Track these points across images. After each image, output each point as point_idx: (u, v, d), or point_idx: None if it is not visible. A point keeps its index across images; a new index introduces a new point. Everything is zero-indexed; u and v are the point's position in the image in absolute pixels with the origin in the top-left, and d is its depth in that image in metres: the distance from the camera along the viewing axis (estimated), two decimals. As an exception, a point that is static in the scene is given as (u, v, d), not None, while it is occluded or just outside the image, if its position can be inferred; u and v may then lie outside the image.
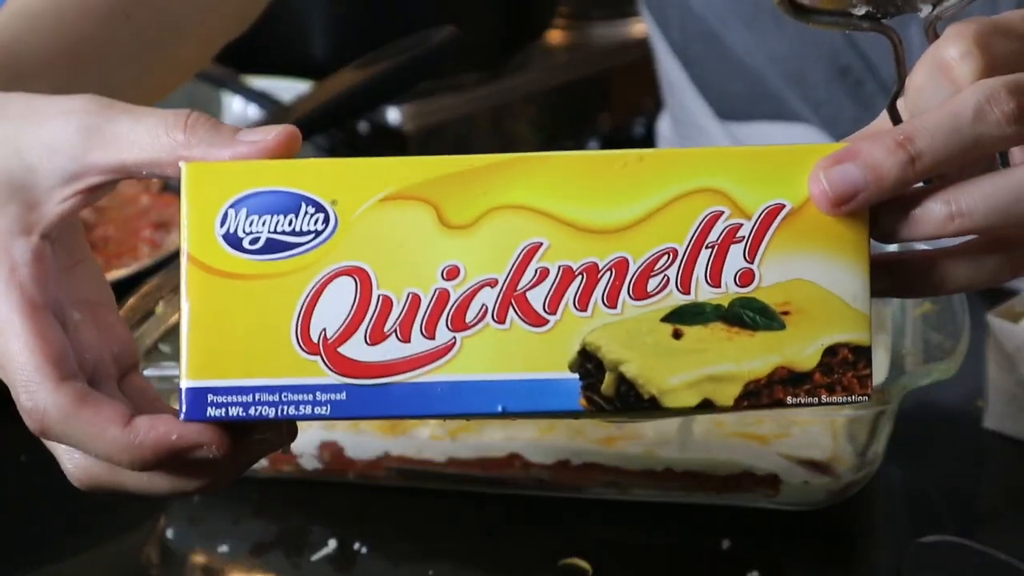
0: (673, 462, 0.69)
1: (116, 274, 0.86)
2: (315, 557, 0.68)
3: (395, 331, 0.47)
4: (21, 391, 0.48)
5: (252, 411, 0.48)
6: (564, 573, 0.66)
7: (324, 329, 0.47)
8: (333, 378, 0.47)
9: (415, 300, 0.47)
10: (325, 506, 0.72)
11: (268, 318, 0.48)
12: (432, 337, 0.47)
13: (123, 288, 0.80)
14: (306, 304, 0.47)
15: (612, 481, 0.70)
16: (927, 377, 0.66)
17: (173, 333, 0.78)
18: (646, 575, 0.67)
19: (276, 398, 0.48)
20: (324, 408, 0.48)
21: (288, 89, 1.30)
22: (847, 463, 0.68)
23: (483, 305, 0.47)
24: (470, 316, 0.47)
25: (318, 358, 0.47)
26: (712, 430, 0.68)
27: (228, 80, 1.40)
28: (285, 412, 0.48)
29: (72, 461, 0.50)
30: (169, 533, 0.71)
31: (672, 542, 0.69)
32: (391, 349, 0.47)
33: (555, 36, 1.60)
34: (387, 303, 0.47)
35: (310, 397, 0.47)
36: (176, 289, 0.81)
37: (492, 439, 0.70)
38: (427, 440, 0.71)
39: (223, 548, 0.70)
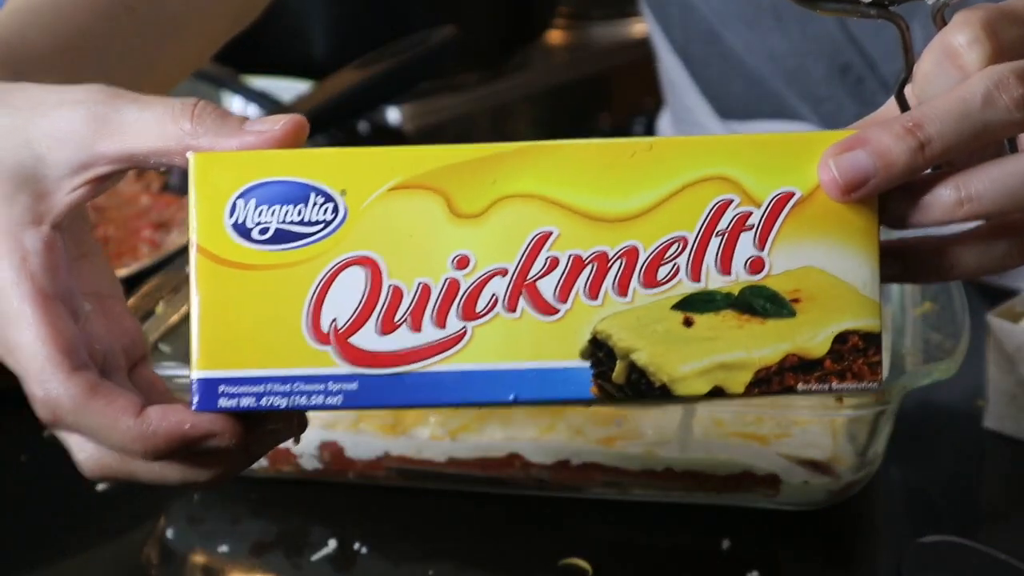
0: (673, 462, 0.69)
1: (116, 274, 0.86)
2: (315, 557, 0.68)
3: (406, 321, 0.47)
4: (33, 381, 0.48)
5: (263, 401, 0.48)
6: (564, 573, 0.66)
7: (335, 319, 0.47)
8: (344, 368, 0.47)
9: (425, 290, 0.47)
10: (325, 506, 0.72)
11: (278, 308, 0.48)
12: (443, 327, 0.47)
13: (123, 288, 0.80)
14: (316, 294, 0.48)
15: (612, 481, 0.70)
16: (927, 377, 0.66)
17: (173, 333, 0.78)
18: (646, 575, 0.67)
19: (287, 388, 0.48)
20: (336, 398, 0.48)
21: (288, 89, 1.30)
22: (847, 463, 0.68)
23: (493, 294, 0.47)
24: (481, 305, 0.47)
25: (329, 348, 0.47)
26: (712, 430, 0.68)
27: (228, 80, 1.40)
28: (296, 403, 0.48)
29: (84, 451, 0.50)
30: (169, 533, 0.71)
31: (672, 542, 0.69)
32: (402, 339, 0.47)
33: (555, 36, 1.60)
34: (397, 293, 0.47)
35: (321, 387, 0.48)
36: (176, 289, 0.81)
37: (492, 439, 0.70)
38: (427, 440, 0.71)
39: (223, 548, 0.70)
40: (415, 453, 0.71)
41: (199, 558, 0.70)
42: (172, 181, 1.05)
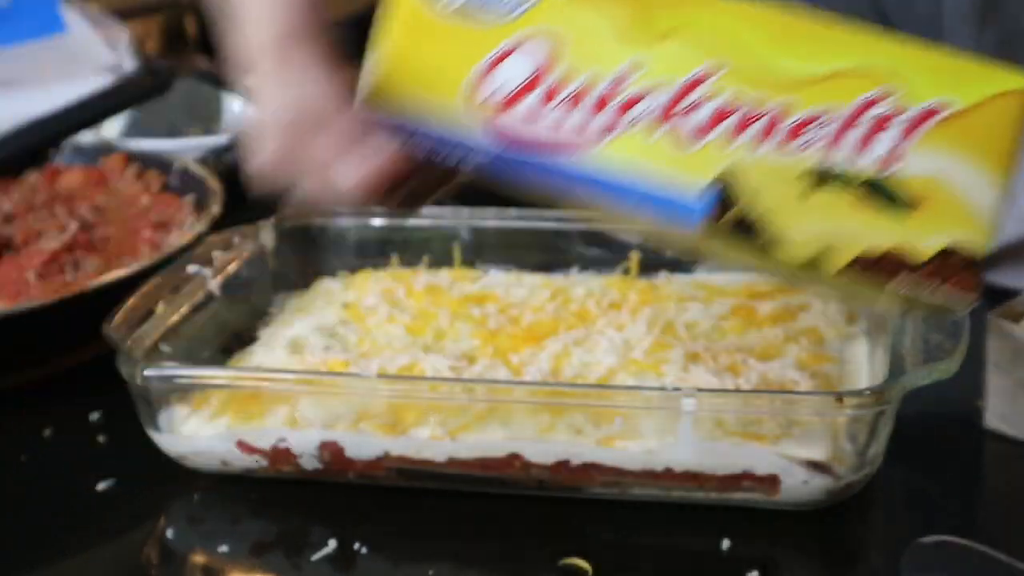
0: (673, 462, 0.69)
1: (116, 274, 0.86)
2: (315, 557, 0.68)
3: (559, 110, 0.49)
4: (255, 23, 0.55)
5: (407, 148, 0.51)
6: (564, 573, 0.66)
7: (496, 92, 0.50)
8: (492, 139, 0.50)
9: (588, 87, 0.49)
10: (325, 506, 0.72)
11: (449, 72, 0.50)
12: (591, 124, 0.49)
13: (123, 288, 0.80)
14: (487, 65, 0.50)
15: (612, 481, 0.70)
16: (927, 377, 0.66)
17: (173, 333, 0.78)
18: (646, 575, 0.67)
19: (433, 143, 0.51)
20: (475, 163, 0.50)
21: (288, 89, 1.30)
22: (847, 463, 0.68)
23: (648, 107, 0.49)
24: (633, 114, 0.49)
25: (483, 117, 0.50)
26: (712, 430, 0.68)
27: (228, 80, 1.40)
28: (437, 158, 0.51)
29: (275, 99, 0.55)
30: (169, 533, 0.71)
31: (672, 542, 0.69)
32: (551, 126, 0.49)
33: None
34: (562, 83, 0.49)
35: (466, 150, 0.50)
36: (176, 289, 0.81)
37: (492, 439, 0.70)
38: (427, 440, 0.71)
39: (223, 548, 0.70)
40: (415, 453, 0.71)
41: (199, 558, 0.70)
42: (172, 181, 1.05)
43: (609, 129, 0.49)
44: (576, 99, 0.49)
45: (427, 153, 0.51)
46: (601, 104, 0.49)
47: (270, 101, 0.56)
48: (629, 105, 0.49)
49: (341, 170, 0.53)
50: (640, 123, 0.49)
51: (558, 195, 0.51)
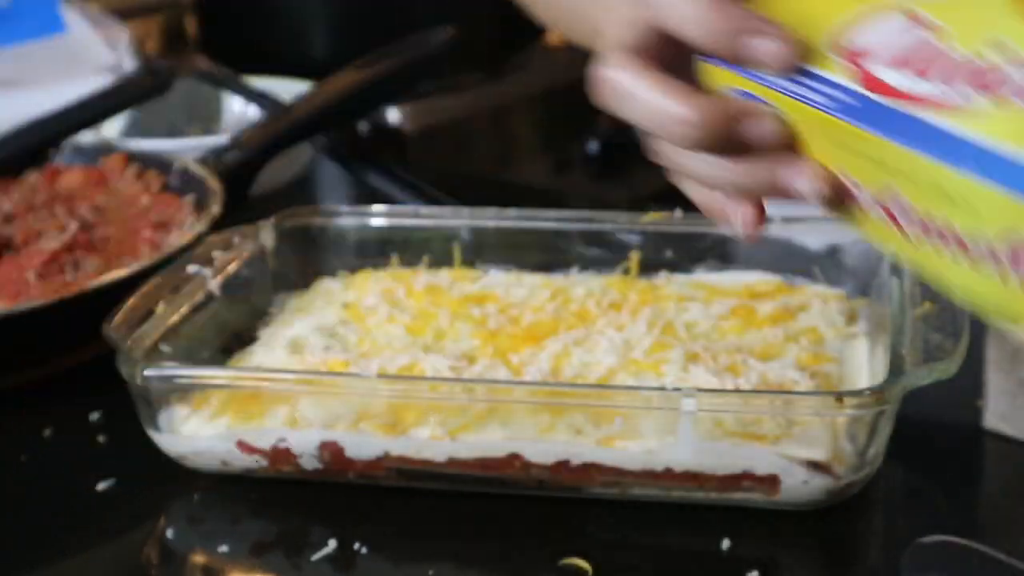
0: (673, 462, 0.69)
1: (116, 274, 0.86)
2: (315, 557, 0.68)
3: (930, 72, 0.49)
4: None
5: (770, 83, 0.53)
6: (564, 573, 0.66)
7: (861, 41, 0.51)
8: (854, 84, 0.51)
9: (956, 53, 0.49)
10: (325, 506, 0.72)
11: (818, 19, 0.53)
12: (960, 89, 0.48)
13: (123, 288, 0.80)
14: (853, 21, 0.52)
15: (612, 481, 0.70)
16: (927, 377, 0.66)
17: (173, 333, 0.78)
18: (646, 575, 0.67)
19: (796, 83, 0.53)
20: (834, 104, 0.51)
21: (288, 89, 1.30)
22: (847, 463, 0.68)
23: (1014, 83, 0.47)
24: (1003, 89, 0.47)
25: (844, 62, 0.51)
26: (712, 430, 0.68)
27: (228, 80, 1.41)
28: (798, 93, 0.52)
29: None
30: (169, 533, 0.71)
31: (672, 542, 0.69)
32: (918, 84, 0.49)
33: (555, 36, 1.60)
34: (930, 44, 0.50)
35: (827, 91, 0.51)
36: (176, 289, 0.81)
37: (492, 439, 0.70)
38: (427, 440, 0.71)
39: (223, 548, 0.70)
40: (415, 453, 0.71)
41: (199, 558, 0.70)
42: (172, 181, 1.05)
43: (972, 98, 0.48)
44: (941, 61, 0.49)
45: (783, 87, 0.52)
46: (966, 71, 0.48)
47: (623, 18, 0.56)
48: (1000, 80, 0.48)
49: (681, 107, 0.53)
50: (1010, 98, 0.48)
51: (913, 148, 0.50)
